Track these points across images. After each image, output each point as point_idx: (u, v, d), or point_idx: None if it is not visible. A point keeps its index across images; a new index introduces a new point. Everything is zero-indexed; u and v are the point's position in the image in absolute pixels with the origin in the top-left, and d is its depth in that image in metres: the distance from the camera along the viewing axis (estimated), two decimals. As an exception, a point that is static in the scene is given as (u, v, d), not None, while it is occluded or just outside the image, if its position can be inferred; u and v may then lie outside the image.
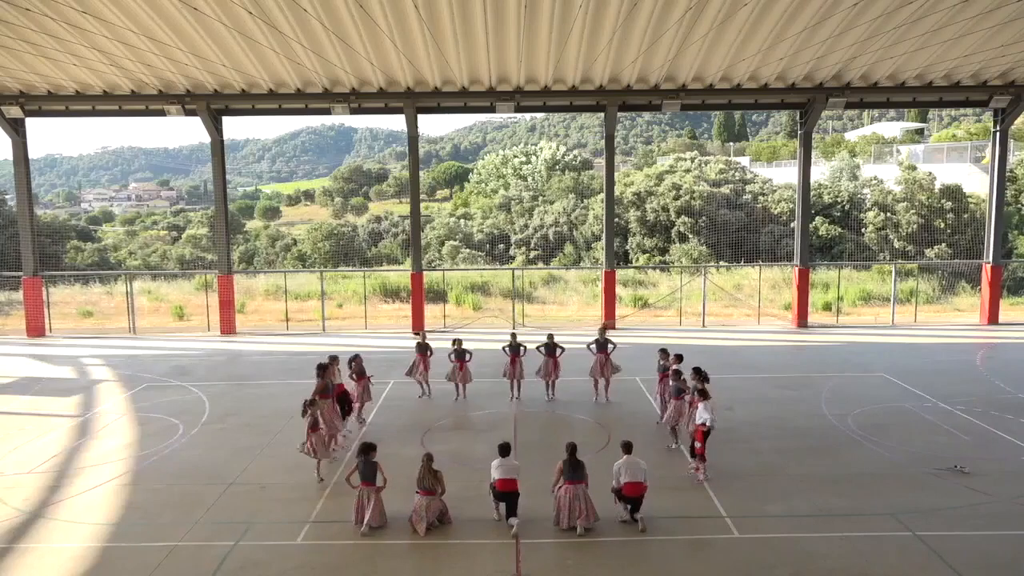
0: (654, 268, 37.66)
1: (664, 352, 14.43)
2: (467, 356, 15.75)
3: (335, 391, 13.26)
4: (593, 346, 15.74)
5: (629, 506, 10.00)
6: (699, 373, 12.37)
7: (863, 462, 12.30)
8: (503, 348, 15.95)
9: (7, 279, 28.96)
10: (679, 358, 13.85)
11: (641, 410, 15.10)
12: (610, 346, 15.70)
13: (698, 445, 11.54)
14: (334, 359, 13.97)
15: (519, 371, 15.75)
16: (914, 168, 42.26)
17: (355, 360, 14.37)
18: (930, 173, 41.60)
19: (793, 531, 9.89)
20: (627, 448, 10.29)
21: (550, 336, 15.92)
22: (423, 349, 16.01)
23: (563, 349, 15.82)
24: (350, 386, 14.09)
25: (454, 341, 16.00)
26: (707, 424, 11.41)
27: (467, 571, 9.02)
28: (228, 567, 9.11)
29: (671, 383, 12.97)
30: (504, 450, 10.13)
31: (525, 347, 15.88)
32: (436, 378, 16.22)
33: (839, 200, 41.73)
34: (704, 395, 11.69)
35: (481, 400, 15.91)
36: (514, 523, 9.81)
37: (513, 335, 16.09)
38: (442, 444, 13.23)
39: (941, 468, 11.91)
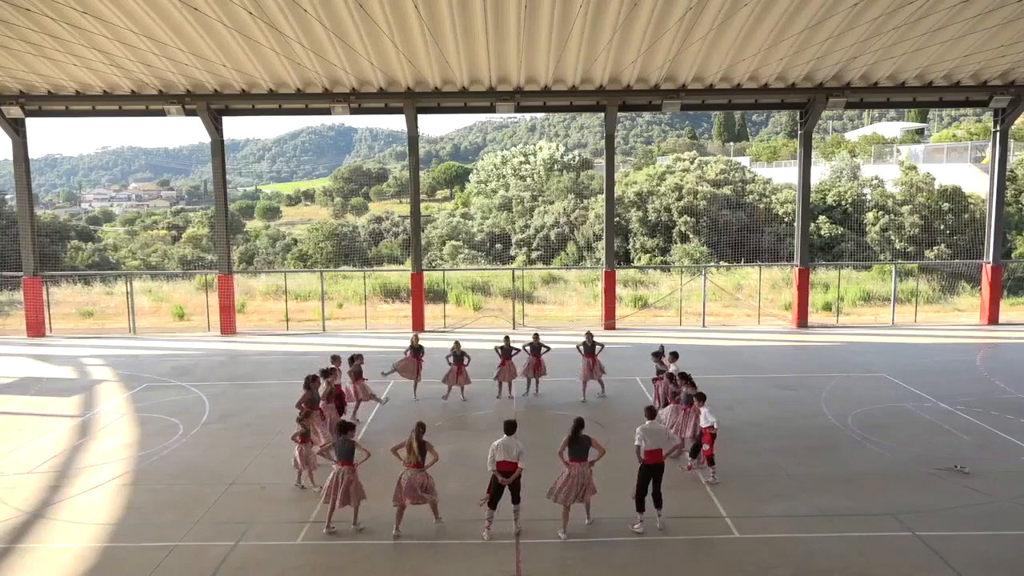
0: (654, 268, 37.66)
1: (657, 354, 14.53)
2: (465, 359, 15.82)
3: (335, 393, 13.18)
4: (581, 348, 15.94)
5: (650, 483, 9.94)
6: (687, 378, 12.53)
7: (863, 462, 12.30)
8: (495, 349, 16.13)
9: (7, 279, 28.95)
10: (675, 356, 13.89)
11: (640, 411, 15.03)
12: (597, 348, 15.90)
13: (706, 447, 11.56)
14: (336, 359, 13.92)
15: (510, 372, 15.97)
16: (913, 169, 42.26)
17: (357, 359, 14.37)
18: (928, 174, 41.62)
19: (793, 531, 9.89)
20: (650, 413, 10.28)
21: (536, 336, 16.21)
22: (416, 352, 15.97)
23: (548, 348, 16.11)
24: (347, 385, 14.07)
25: (454, 344, 16.03)
26: (715, 426, 11.49)
27: (467, 571, 9.02)
28: (228, 567, 9.11)
29: (682, 392, 12.95)
30: (509, 428, 9.90)
31: (517, 349, 16.07)
32: (431, 379, 16.22)
33: (841, 202, 41.71)
34: (703, 398, 11.79)
35: (480, 400, 15.92)
36: (517, 512, 9.78)
37: (506, 337, 16.24)
38: (442, 444, 13.15)
39: (941, 468, 11.91)
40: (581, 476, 9.71)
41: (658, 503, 10.00)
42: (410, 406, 15.68)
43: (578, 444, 9.74)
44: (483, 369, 16.56)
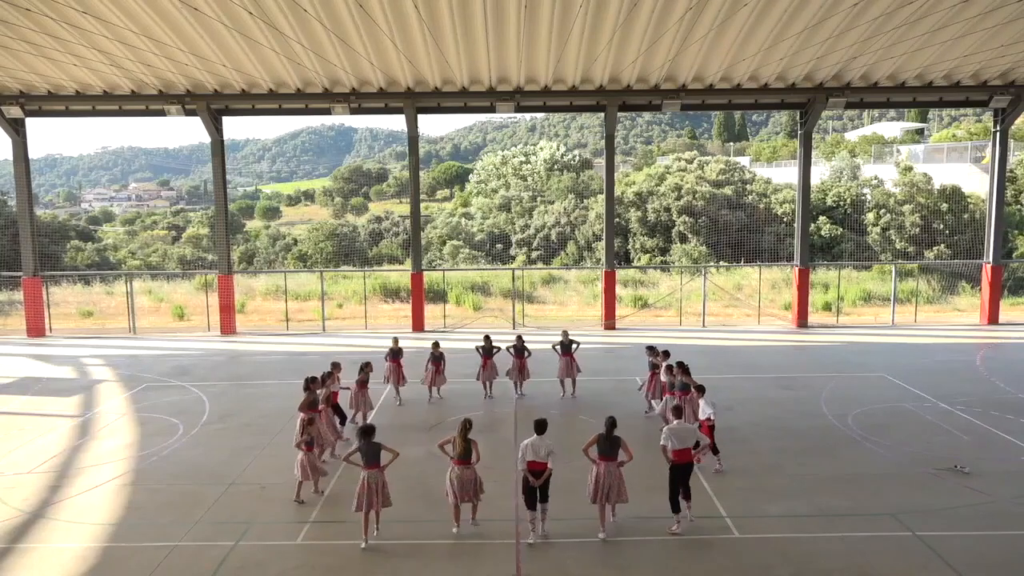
0: (654, 268, 37.66)
1: (651, 349, 14.86)
2: (442, 360, 15.79)
3: (331, 399, 12.97)
4: (559, 347, 16.03)
5: (680, 490, 9.90)
6: (684, 368, 12.90)
7: (863, 462, 12.30)
8: (476, 348, 16.18)
9: (7, 279, 28.94)
10: (667, 355, 14.07)
11: (641, 409, 15.05)
12: (574, 346, 16.01)
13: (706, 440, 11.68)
14: (336, 366, 13.69)
15: (492, 372, 16.04)
16: (910, 170, 42.21)
17: (366, 367, 14.17)
18: (925, 174, 41.61)
19: (793, 531, 9.90)
20: (677, 412, 10.23)
21: (519, 338, 16.18)
22: (396, 355, 15.80)
23: (530, 352, 16.07)
24: (349, 393, 13.93)
25: (433, 344, 15.97)
26: (711, 418, 11.64)
27: (467, 571, 9.03)
28: (228, 567, 9.12)
29: (677, 380, 13.13)
30: (539, 427, 9.76)
31: (499, 348, 16.09)
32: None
33: (841, 202, 41.70)
34: (702, 390, 12.02)
35: (479, 401, 15.92)
36: (540, 513, 9.68)
37: (487, 337, 16.25)
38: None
39: (941, 468, 11.91)
40: (608, 476, 9.63)
41: (687, 495, 9.97)
42: (410, 406, 15.68)
43: (609, 443, 9.67)
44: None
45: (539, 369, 16.67)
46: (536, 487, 9.57)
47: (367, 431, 9.75)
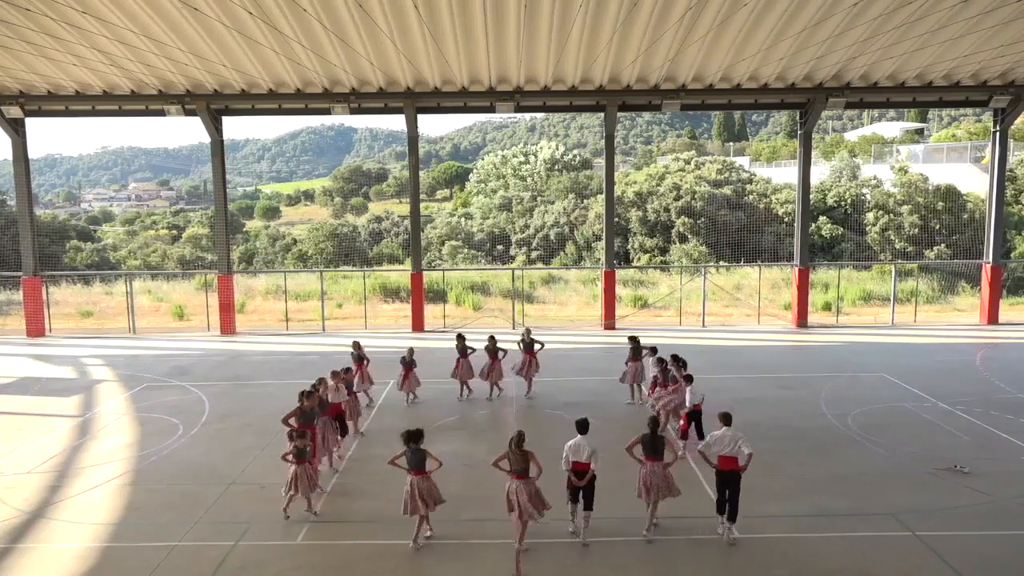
0: (654, 268, 37.65)
1: (633, 339, 15.27)
2: (414, 365, 15.69)
3: (329, 411, 12.51)
4: (521, 345, 16.17)
5: (726, 490, 9.70)
6: (678, 361, 13.42)
7: (863, 462, 12.30)
8: (456, 348, 16.17)
9: (7, 279, 28.94)
10: (654, 351, 14.44)
11: (640, 410, 15.05)
12: (536, 345, 16.09)
13: (682, 423, 12.42)
14: (335, 375, 13.21)
15: (466, 371, 16.01)
16: (905, 172, 42.15)
17: (346, 373, 13.67)
18: (921, 174, 41.57)
19: (793, 531, 9.90)
20: (726, 419, 9.85)
21: (491, 339, 16.09)
22: (360, 360, 15.56)
23: (505, 352, 16.01)
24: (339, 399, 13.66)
25: (408, 351, 15.83)
26: (699, 405, 12.13)
27: (467, 571, 9.03)
28: (228, 567, 9.12)
29: (670, 371, 13.54)
30: (581, 427, 9.68)
31: (474, 349, 16.08)
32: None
33: (841, 202, 41.71)
34: (689, 380, 12.47)
35: (479, 401, 15.92)
36: (583, 521, 9.61)
37: (462, 336, 16.24)
38: (441, 444, 13.22)
39: (941, 468, 11.91)
40: (654, 475, 9.61)
41: (731, 516, 9.68)
42: (409, 407, 15.67)
43: (653, 443, 9.66)
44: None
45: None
46: (580, 487, 9.52)
47: (414, 437, 9.60)
